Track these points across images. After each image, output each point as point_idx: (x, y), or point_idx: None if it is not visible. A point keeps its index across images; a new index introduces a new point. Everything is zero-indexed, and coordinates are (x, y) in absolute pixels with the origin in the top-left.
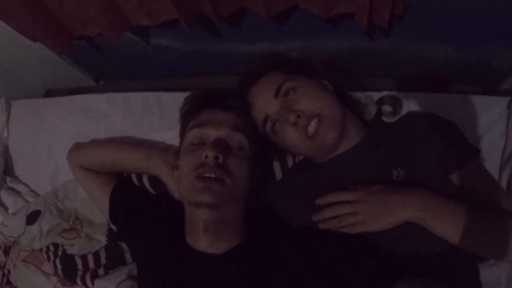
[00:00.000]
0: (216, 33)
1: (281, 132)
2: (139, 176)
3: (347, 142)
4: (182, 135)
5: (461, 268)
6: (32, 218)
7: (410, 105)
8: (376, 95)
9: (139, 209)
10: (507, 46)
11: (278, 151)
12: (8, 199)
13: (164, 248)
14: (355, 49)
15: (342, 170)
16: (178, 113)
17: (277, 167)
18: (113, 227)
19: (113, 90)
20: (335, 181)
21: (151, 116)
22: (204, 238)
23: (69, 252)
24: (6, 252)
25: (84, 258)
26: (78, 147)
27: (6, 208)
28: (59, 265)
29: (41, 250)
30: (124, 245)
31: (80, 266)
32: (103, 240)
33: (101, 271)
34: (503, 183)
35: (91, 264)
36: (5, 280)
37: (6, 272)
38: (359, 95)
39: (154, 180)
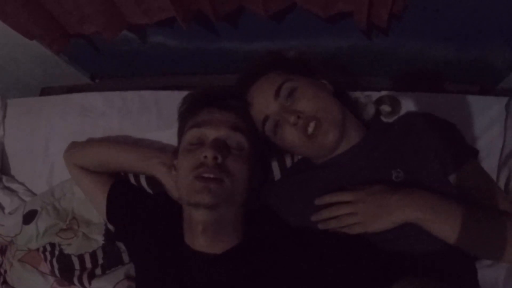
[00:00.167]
0: (213, 32)
1: (280, 133)
2: (137, 176)
3: (346, 142)
4: (180, 134)
5: (459, 268)
6: (29, 217)
7: (408, 105)
8: (375, 95)
9: (137, 209)
10: (505, 46)
11: (277, 151)
12: (4, 199)
13: (162, 248)
14: (353, 48)
15: (341, 171)
16: (176, 112)
17: (275, 167)
18: (110, 227)
19: (109, 88)
20: (334, 181)
21: (148, 115)
22: (203, 239)
23: (66, 252)
24: (3, 251)
25: (81, 258)
26: (74, 146)
27: (2, 208)
28: (56, 265)
29: (37, 249)
30: (121, 245)
31: (77, 266)
32: (100, 240)
33: (98, 271)
34: (501, 184)
35: (88, 264)
36: (1, 279)
37: (2, 271)
38: (358, 95)
39: (152, 179)
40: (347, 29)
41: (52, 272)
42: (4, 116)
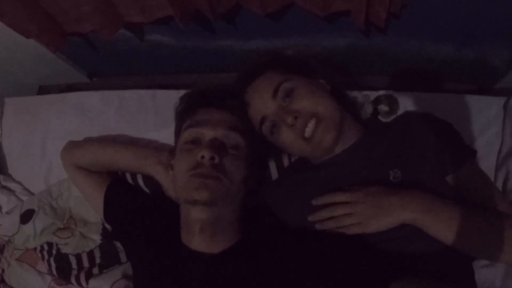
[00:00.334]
0: (211, 30)
1: (278, 133)
2: (134, 175)
3: (343, 142)
4: (178, 134)
5: (456, 268)
6: (26, 217)
7: (406, 105)
8: (373, 94)
9: (134, 208)
10: (503, 45)
11: (274, 151)
12: (1, 198)
13: (159, 247)
14: (351, 47)
15: (339, 171)
16: (173, 111)
17: (272, 166)
18: (107, 226)
19: (107, 87)
20: (331, 181)
21: (146, 114)
22: (200, 238)
23: (63, 251)
24: (0, 251)
25: (78, 257)
26: (72, 145)
27: None
28: (53, 264)
29: (35, 249)
30: (118, 244)
31: (74, 265)
32: (97, 239)
33: (95, 270)
34: (499, 184)
35: (86, 264)
36: None
37: (0, 271)
38: (356, 94)
39: (149, 179)
40: (345, 28)
41: (50, 272)
42: (1, 115)
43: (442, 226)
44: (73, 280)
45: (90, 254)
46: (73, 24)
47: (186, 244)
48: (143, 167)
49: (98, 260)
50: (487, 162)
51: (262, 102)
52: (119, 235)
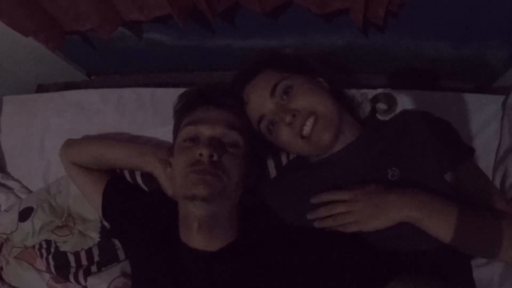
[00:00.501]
0: (209, 29)
1: (276, 132)
2: (132, 173)
3: (342, 140)
4: (176, 132)
5: (454, 266)
6: (25, 214)
7: (404, 103)
8: (371, 93)
9: (132, 206)
10: (501, 43)
11: (272, 149)
12: (0, 196)
13: (157, 245)
14: (350, 46)
15: (337, 169)
16: (172, 109)
17: (271, 165)
18: (106, 224)
19: (105, 85)
20: (330, 179)
21: (144, 112)
22: (199, 235)
23: (61, 249)
24: None
25: (77, 255)
26: (70, 143)
27: None
28: (51, 262)
29: (33, 247)
30: (117, 242)
31: (73, 263)
32: (96, 237)
33: (94, 268)
34: (497, 182)
35: (84, 261)
36: None
37: None
38: (354, 92)
39: (147, 177)
40: (343, 27)
41: (48, 269)
42: (0, 113)
43: (440, 225)
44: (71, 278)
45: (89, 252)
46: (72, 23)
47: (185, 241)
48: (141, 164)
49: (96, 258)
50: (485, 160)
51: (260, 100)
52: (118, 233)
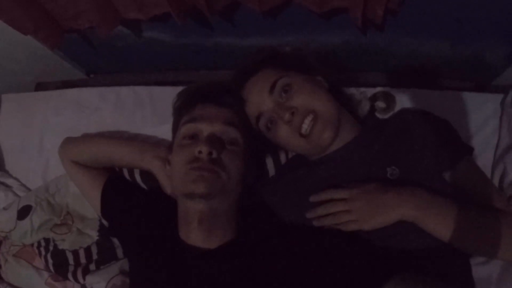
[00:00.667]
0: (208, 27)
1: (274, 130)
2: (131, 171)
3: (341, 139)
4: (175, 129)
5: (453, 265)
6: (23, 213)
7: (403, 101)
8: (370, 91)
9: (131, 204)
10: (500, 42)
11: (271, 147)
12: None
13: (156, 243)
14: (348, 44)
15: (336, 168)
16: (170, 107)
17: (270, 163)
18: (104, 222)
19: (104, 84)
20: (329, 178)
21: (143, 110)
22: (198, 231)
23: (60, 247)
24: None
25: (75, 253)
26: (69, 141)
27: None
28: (50, 260)
29: (32, 245)
30: (115, 240)
31: (71, 261)
32: (94, 235)
33: (92, 266)
34: (495, 181)
35: (83, 260)
36: None
37: None
38: (353, 91)
39: (146, 175)
40: (342, 25)
41: (47, 268)
42: None
43: (439, 223)
44: (70, 276)
45: (87, 250)
46: (71, 21)
47: (183, 239)
48: (140, 161)
49: (95, 256)
50: (484, 159)
51: (259, 98)
52: (116, 231)
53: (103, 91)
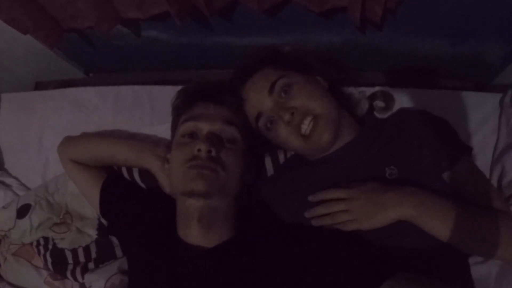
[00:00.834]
0: (207, 26)
1: (274, 130)
2: (130, 170)
3: (340, 139)
4: (174, 128)
5: (452, 264)
6: (22, 211)
7: (402, 101)
8: (369, 91)
9: (130, 203)
10: (499, 42)
11: (270, 147)
12: None
13: (155, 242)
14: (347, 44)
15: (335, 168)
16: (169, 106)
17: (268, 162)
18: (103, 221)
19: (103, 83)
20: (328, 178)
21: (142, 109)
22: (197, 229)
23: (59, 246)
24: None
25: (74, 252)
26: (68, 140)
27: None
28: (49, 259)
29: (31, 244)
30: (114, 239)
31: (70, 260)
32: (93, 234)
33: (91, 265)
34: (494, 180)
35: (82, 258)
36: None
37: None
38: (352, 90)
39: (145, 174)
40: (341, 24)
41: (46, 266)
42: None
43: (438, 223)
44: (69, 275)
45: (86, 249)
46: (70, 21)
47: (182, 237)
48: (139, 160)
49: (94, 255)
50: (483, 158)
51: (258, 98)
52: (115, 230)
53: (102, 91)
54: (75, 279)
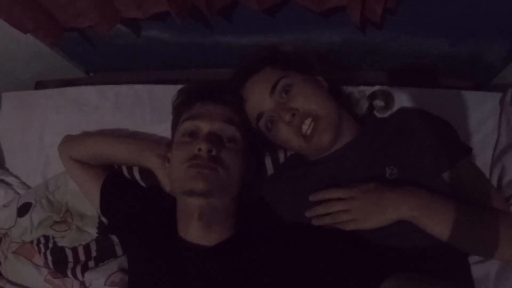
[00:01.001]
0: (207, 26)
1: (275, 130)
2: (130, 169)
3: (340, 139)
4: (174, 127)
5: (452, 264)
6: (23, 210)
7: (402, 100)
8: (368, 90)
9: (130, 202)
10: (499, 41)
11: (270, 146)
12: None
13: (155, 240)
14: (347, 43)
15: (336, 167)
16: (170, 106)
17: (268, 162)
18: (103, 219)
19: (103, 82)
20: (328, 178)
21: (142, 109)
22: (197, 227)
23: (59, 244)
24: None
25: (74, 250)
26: (69, 139)
27: None
28: (49, 257)
29: (32, 242)
30: (114, 237)
31: (70, 258)
32: (93, 232)
33: (91, 263)
34: (494, 180)
35: (82, 257)
36: None
37: None
38: (352, 89)
39: (145, 172)
40: (341, 24)
41: (46, 265)
42: None
43: (438, 223)
44: (69, 273)
45: (86, 247)
46: (70, 20)
47: (182, 236)
48: (139, 159)
49: (94, 253)
50: (483, 158)
51: (259, 98)
52: (115, 229)
53: (102, 90)
54: (75, 277)
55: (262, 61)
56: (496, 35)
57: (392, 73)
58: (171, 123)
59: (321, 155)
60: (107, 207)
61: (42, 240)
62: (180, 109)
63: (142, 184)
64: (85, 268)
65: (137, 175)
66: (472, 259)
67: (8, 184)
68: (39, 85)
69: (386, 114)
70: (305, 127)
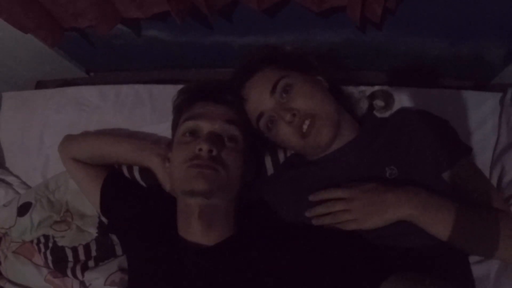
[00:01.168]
0: (207, 25)
1: (275, 129)
2: (130, 168)
3: (340, 139)
4: (175, 127)
5: (452, 263)
6: (23, 210)
7: (402, 100)
8: (368, 90)
9: (130, 201)
10: (499, 41)
11: (270, 146)
12: None
13: (155, 240)
14: (347, 43)
15: (336, 167)
16: (170, 106)
17: (268, 162)
18: (103, 219)
19: (104, 82)
20: (328, 178)
21: (143, 108)
22: (198, 226)
23: (59, 244)
24: None
25: (74, 250)
26: (69, 138)
27: None
28: (49, 257)
29: (32, 242)
30: (114, 237)
31: (70, 258)
32: (93, 232)
33: (91, 263)
34: (494, 180)
35: (82, 256)
36: None
37: None
38: (352, 89)
39: (145, 172)
40: (341, 24)
41: (46, 264)
42: None
43: (438, 223)
44: (69, 272)
45: (86, 247)
46: (71, 20)
47: (183, 235)
48: (140, 159)
49: (94, 253)
50: (483, 157)
51: (260, 97)
52: (115, 228)
53: (103, 89)
54: (75, 277)
55: (262, 61)
56: (496, 35)
57: (392, 73)
58: (171, 123)
59: (321, 154)
60: (107, 207)
61: (42, 240)
62: (181, 109)
63: (142, 183)
64: (85, 268)
65: (137, 175)
66: (472, 259)
67: (8, 184)
68: (40, 85)
69: (386, 114)
70: (305, 127)
